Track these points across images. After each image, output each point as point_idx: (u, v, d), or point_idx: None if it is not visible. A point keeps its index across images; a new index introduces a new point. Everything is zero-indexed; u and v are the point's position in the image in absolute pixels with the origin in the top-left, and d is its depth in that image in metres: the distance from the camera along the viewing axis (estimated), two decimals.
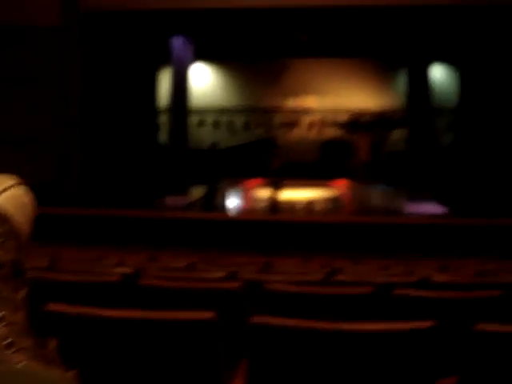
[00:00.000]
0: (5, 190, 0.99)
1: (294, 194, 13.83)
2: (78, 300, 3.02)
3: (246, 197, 14.90)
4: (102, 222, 10.74)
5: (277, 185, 12.36)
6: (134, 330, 2.29)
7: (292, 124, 17.53)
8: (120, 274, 3.82)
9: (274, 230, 10.56)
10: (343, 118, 17.31)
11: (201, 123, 17.12)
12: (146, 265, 5.09)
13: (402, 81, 15.72)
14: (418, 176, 13.24)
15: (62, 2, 11.85)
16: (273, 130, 17.80)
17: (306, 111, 17.89)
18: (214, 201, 12.84)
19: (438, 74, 16.62)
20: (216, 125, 17.40)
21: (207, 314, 2.25)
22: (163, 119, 15.50)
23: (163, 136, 15.40)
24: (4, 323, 0.79)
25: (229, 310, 3.07)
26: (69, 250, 7.47)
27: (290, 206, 13.03)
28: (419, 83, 13.62)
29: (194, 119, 16.60)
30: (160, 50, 14.83)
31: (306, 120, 17.60)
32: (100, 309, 2.31)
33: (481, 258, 7.88)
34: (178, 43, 14.24)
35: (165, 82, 15.42)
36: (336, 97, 18.13)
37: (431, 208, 12.48)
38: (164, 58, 14.83)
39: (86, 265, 4.83)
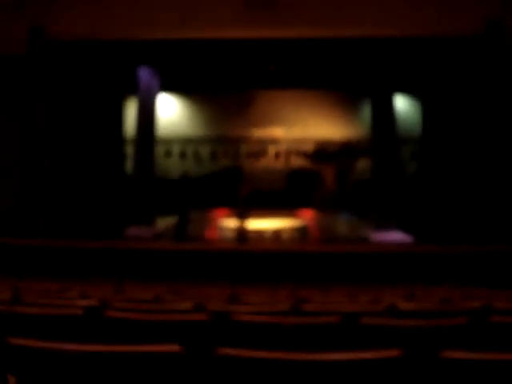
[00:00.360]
0: None
1: (261, 224, 13.84)
2: (41, 333, 2.95)
3: (213, 226, 14.84)
4: (66, 253, 10.55)
5: (244, 214, 12.34)
6: (98, 364, 2.24)
7: (259, 154, 17.62)
8: (84, 306, 3.74)
9: (241, 259, 10.51)
10: (309, 147, 17.49)
11: (167, 153, 17.08)
12: (112, 297, 5.00)
13: (367, 111, 15.97)
14: (383, 205, 13.39)
15: (29, 30, 11.78)
16: (239, 159, 17.86)
17: (273, 141, 18.03)
18: (185, 230, 12.76)
19: (402, 104, 16.98)
20: (183, 155, 17.38)
21: (173, 347, 2.22)
22: (130, 149, 15.42)
23: (130, 166, 15.30)
24: None
25: (196, 342, 3.03)
26: (32, 281, 7.30)
27: (258, 236, 13.03)
28: (383, 113, 13.87)
29: (160, 149, 16.56)
30: (127, 80, 14.83)
31: (273, 150, 17.72)
32: (63, 343, 2.26)
33: (446, 284, 7.98)
34: (144, 73, 14.26)
35: (132, 112, 15.39)
36: (302, 127, 18.34)
37: (397, 236, 12.61)
38: (131, 88, 14.82)
39: (50, 297, 4.72)
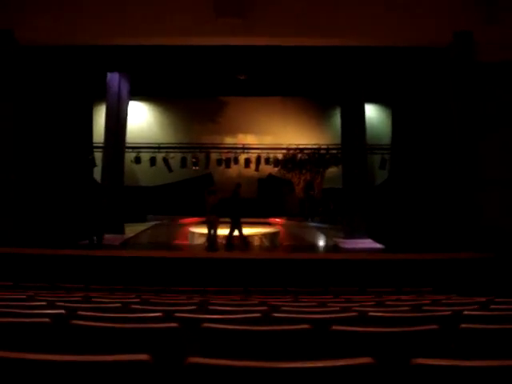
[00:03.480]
0: None
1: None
2: (8, 343, 2.87)
3: (184, 234, 14.74)
4: (33, 261, 10.35)
5: (213, 223, 12.25)
6: (65, 374, 2.18)
7: (229, 161, 17.60)
8: (51, 314, 3.66)
9: (212, 267, 10.46)
10: (280, 155, 17.55)
11: (137, 160, 16.95)
12: (80, 305, 4.91)
13: (337, 119, 16.10)
14: (353, 213, 13.49)
15: None
16: (210, 166, 17.82)
17: (244, 149, 18.04)
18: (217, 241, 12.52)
19: (372, 113, 17.19)
20: (152, 161, 17.26)
21: (142, 356, 2.18)
22: (100, 155, 15.23)
23: (98, 172, 15.12)
24: None
25: (165, 351, 2.99)
26: None
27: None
28: (353, 122, 14.00)
29: (130, 155, 16.44)
30: (96, 86, 14.69)
31: (244, 157, 17.73)
32: (29, 353, 2.20)
33: (415, 292, 8.05)
34: (113, 79, 14.14)
35: (101, 118, 15.22)
36: (274, 135, 18.42)
37: (366, 244, 12.71)
38: (100, 93, 14.69)
39: (17, 306, 4.61)
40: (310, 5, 11.47)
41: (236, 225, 12.32)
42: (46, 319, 3.43)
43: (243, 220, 13.17)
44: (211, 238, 12.22)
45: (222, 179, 18.65)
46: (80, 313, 3.93)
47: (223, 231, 13.05)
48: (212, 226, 12.20)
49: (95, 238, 12.46)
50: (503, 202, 11.19)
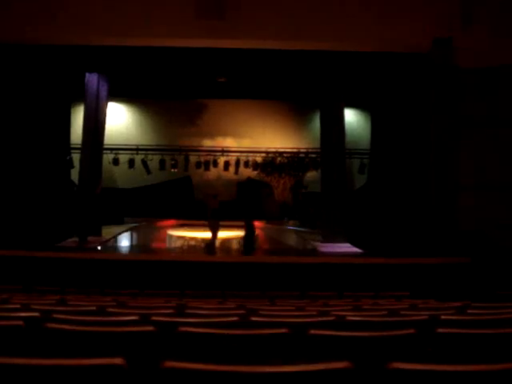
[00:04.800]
0: None
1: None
2: None
3: (162, 237, 14.65)
4: (7, 263, 10.19)
5: (215, 226, 12.26)
6: (38, 378, 2.14)
7: (208, 164, 17.55)
8: (25, 317, 3.60)
9: (189, 270, 10.40)
10: (259, 158, 17.54)
11: (115, 161, 16.80)
12: (54, 308, 4.84)
13: (317, 123, 16.13)
14: (331, 217, 13.52)
15: None
16: (189, 169, 17.74)
17: (223, 151, 18.01)
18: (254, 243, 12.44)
19: (352, 117, 17.28)
20: (131, 163, 17.13)
21: (116, 360, 2.14)
22: (77, 156, 15.04)
23: (76, 174, 14.93)
24: None
25: (141, 355, 2.95)
26: None
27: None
28: (332, 126, 14.05)
29: (108, 157, 16.30)
30: (74, 87, 14.54)
31: (223, 160, 17.69)
32: (2, 356, 2.15)
33: (393, 296, 8.09)
34: (92, 80, 14.00)
35: (80, 119, 15.04)
36: (253, 138, 18.40)
37: (345, 248, 12.76)
38: (78, 94, 14.54)
39: None
40: (289, 9, 11.49)
41: (250, 229, 12.31)
42: (20, 322, 3.38)
43: (222, 223, 13.16)
44: (211, 241, 12.28)
45: (201, 182, 18.58)
46: (55, 316, 3.87)
47: (200, 233, 13.01)
48: (213, 230, 12.26)
49: (81, 238, 12.48)
50: (479, 207, 11.31)
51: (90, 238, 12.95)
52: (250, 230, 12.35)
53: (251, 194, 17.51)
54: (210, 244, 12.28)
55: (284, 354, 3.21)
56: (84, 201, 13.41)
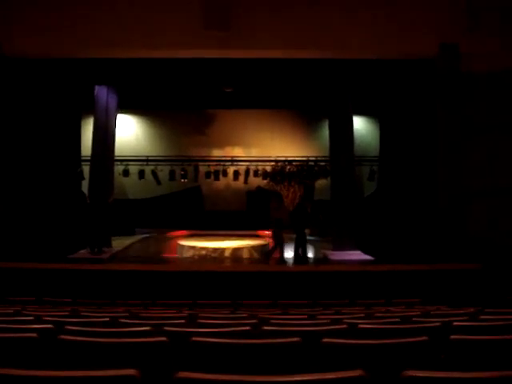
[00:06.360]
0: None
1: (221, 244, 13.77)
2: None
3: (172, 247, 14.66)
4: (20, 275, 10.26)
5: (279, 236, 12.29)
6: None
7: (218, 173, 17.59)
8: (39, 329, 3.62)
9: (201, 280, 10.42)
10: (268, 167, 17.55)
11: (125, 173, 16.88)
12: (67, 320, 4.86)
13: (326, 131, 16.13)
14: (341, 225, 13.49)
15: None
16: (198, 179, 17.79)
17: (232, 161, 18.05)
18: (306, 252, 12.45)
19: (361, 125, 17.27)
20: (141, 174, 17.21)
21: (129, 371, 2.15)
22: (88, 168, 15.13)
23: (86, 185, 15.01)
24: None
25: (154, 366, 2.96)
26: None
27: (218, 255, 12.96)
28: (341, 134, 14.03)
29: (118, 168, 16.38)
30: (84, 99, 14.65)
31: (232, 170, 17.73)
32: (16, 369, 2.17)
33: (405, 303, 8.05)
34: (101, 92, 14.10)
35: (90, 132, 15.13)
36: (261, 147, 18.44)
37: (355, 256, 12.71)
38: (88, 106, 14.64)
39: (3, 321, 4.56)
40: (297, 18, 11.53)
41: (301, 240, 12.28)
42: (34, 334, 3.39)
43: (232, 232, 13.11)
44: (272, 251, 12.40)
45: (211, 192, 18.64)
46: (68, 327, 3.89)
47: (213, 243, 13.02)
48: (278, 241, 12.30)
49: (96, 248, 12.55)
50: (489, 213, 11.26)
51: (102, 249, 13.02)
52: (280, 240, 12.38)
53: (261, 203, 17.49)
54: (271, 253, 12.38)
55: (297, 363, 3.21)
56: (95, 212, 13.45)
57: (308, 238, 13.04)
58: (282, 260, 12.01)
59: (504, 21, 11.41)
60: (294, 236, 12.24)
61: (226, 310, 7.02)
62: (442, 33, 11.50)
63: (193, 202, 18.50)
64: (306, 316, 5.66)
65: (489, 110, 11.58)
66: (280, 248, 12.20)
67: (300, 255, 11.98)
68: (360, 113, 16.74)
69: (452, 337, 3.36)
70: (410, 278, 10.27)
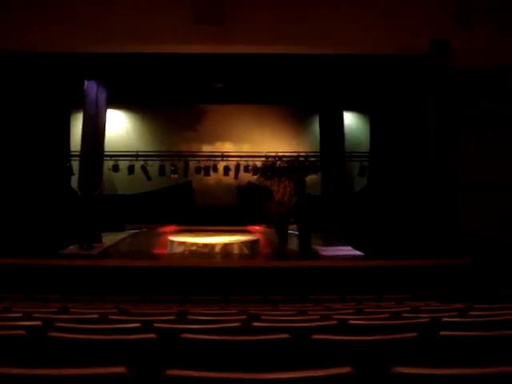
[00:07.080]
0: None
1: (212, 239, 13.75)
2: None
3: (162, 242, 14.63)
4: (8, 271, 10.19)
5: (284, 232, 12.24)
6: None
7: (208, 169, 17.54)
8: (27, 326, 3.59)
9: (190, 276, 10.40)
10: (259, 163, 17.52)
11: (115, 168, 16.78)
12: (56, 316, 4.83)
13: (316, 126, 16.13)
14: (332, 220, 13.51)
15: None
16: (189, 174, 17.73)
17: (223, 156, 18.01)
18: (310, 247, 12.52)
19: (351, 120, 17.28)
20: (130, 169, 17.12)
21: (118, 369, 2.14)
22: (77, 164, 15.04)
23: (76, 181, 14.93)
24: None
25: (143, 363, 2.94)
26: None
27: (209, 251, 12.95)
28: (331, 129, 14.04)
29: (108, 163, 16.28)
30: (73, 94, 14.55)
31: (223, 165, 17.68)
32: (4, 367, 2.15)
33: (395, 298, 8.08)
34: (91, 87, 14.01)
35: (79, 127, 15.03)
36: (252, 142, 18.42)
37: (346, 251, 12.74)
38: (77, 101, 14.55)
39: None
40: (287, 13, 11.51)
41: (305, 233, 12.35)
42: (22, 331, 3.37)
43: (223, 226, 13.08)
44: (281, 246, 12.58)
45: (201, 187, 18.59)
46: (57, 324, 3.86)
47: (203, 238, 12.99)
48: (282, 236, 12.37)
49: (85, 244, 12.52)
50: (479, 208, 11.31)
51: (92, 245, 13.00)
52: (285, 237, 12.51)
53: (251, 199, 17.47)
54: (280, 249, 12.48)
55: (286, 360, 3.21)
56: (84, 207, 13.40)
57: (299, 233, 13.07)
58: (310, 253, 12.13)
59: (496, 15, 11.43)
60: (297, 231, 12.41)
61: (217, 305, 7.02)
62: (433, 28, 11.51)
63: (183, 197, 18.45)
64: (296, 312, 5.67)
65: (479, 105, 11.63)
66: (302, 241, 12.26)
67: (306, 249, 12.12)
68: (350, 108, 16.73)
69: (441, 333, 3.37)
70: (400, 273, 10.31)
